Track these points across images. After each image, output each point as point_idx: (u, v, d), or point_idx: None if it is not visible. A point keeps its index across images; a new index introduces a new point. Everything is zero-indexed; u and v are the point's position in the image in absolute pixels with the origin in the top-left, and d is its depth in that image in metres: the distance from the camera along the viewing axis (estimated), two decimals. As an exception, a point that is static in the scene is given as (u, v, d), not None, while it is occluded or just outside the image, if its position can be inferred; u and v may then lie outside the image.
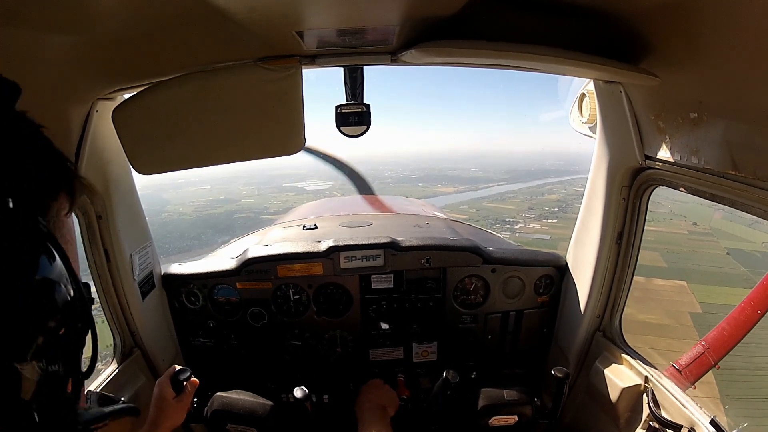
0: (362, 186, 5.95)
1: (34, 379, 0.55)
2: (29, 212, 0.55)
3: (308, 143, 1.73)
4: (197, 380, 1.72)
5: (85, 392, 0.94)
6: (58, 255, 0.58)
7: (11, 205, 0.51)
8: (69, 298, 0.59)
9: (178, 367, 1.67)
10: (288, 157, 1.78)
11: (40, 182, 0.60)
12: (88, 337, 0.65)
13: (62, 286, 0.58)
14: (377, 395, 1.96)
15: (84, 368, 0.66)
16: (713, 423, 1.60)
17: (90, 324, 0.65)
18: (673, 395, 1.79)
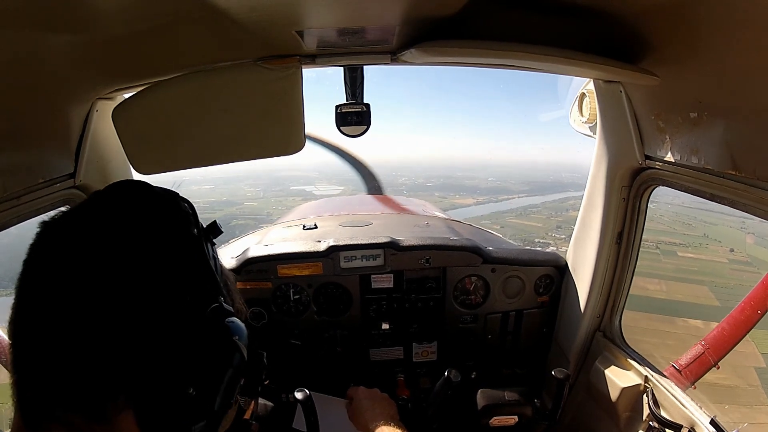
0: (372, 186, 5.69)
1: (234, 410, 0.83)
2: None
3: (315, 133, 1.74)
4: None
5: None
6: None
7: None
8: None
9: None
10: (298, 157, 1.78)
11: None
12: None
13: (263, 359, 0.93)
14: (373, 400, 1.67)
15: None
16: (713, 423, 1.59)
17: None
18: (673, 395, 1.79)
